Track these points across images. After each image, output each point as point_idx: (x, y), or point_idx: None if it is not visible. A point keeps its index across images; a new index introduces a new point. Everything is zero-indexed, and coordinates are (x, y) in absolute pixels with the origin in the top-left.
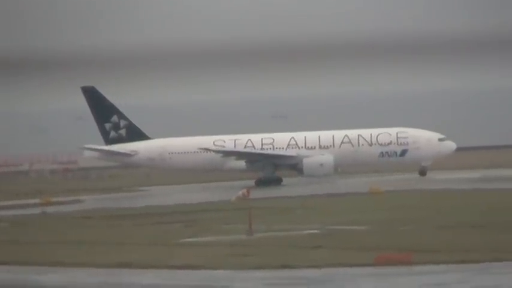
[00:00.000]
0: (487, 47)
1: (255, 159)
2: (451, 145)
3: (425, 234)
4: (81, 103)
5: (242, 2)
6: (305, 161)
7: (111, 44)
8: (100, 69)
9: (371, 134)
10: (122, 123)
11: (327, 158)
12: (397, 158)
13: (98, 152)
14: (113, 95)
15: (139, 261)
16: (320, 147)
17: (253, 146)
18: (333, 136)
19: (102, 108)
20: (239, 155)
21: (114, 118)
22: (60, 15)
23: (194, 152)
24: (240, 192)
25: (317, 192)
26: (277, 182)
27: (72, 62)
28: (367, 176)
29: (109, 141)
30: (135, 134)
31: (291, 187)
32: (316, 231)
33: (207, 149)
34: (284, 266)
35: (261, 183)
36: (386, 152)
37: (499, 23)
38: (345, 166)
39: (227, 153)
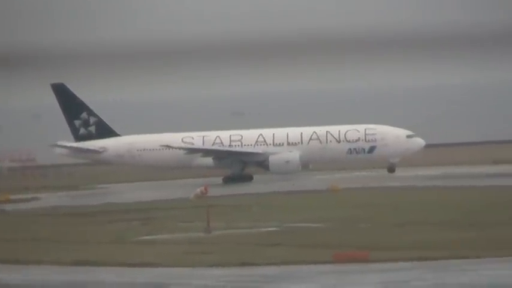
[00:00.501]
0: (479, 42)
1: (222, 156)
2: (419, 142)
3: (384, 232)
4: (40, 101)
5: None
6: (271, 158)
7: (80, 40)
8: (66, 66)
9: (339, 131)
10: (92, 120)
11: (293, 155)
12: (365, 155)
13: (67, 149)
14: (79, 92)
15: (96, 259)
16: (288, 144)
17: (222, 143)
18: (301, 133)
19: (71, 105)
20: (202, 152)
21: (84, 115)
22: (25, 8)
23: (162, 148)
24: (198, 190)
25: (280, 189)
26: (246, 179)
27: (36, 58)
28: (336, 173)
29: (79, 138)
30: (105, 130)
31: (256, 184)
32: (275, 228)
33: (168, 146)
34: (242, 264)
35: (229, 180)
36: (355, 149)
37: (491, 18)
38: (313, 163)
39: (190, 151)
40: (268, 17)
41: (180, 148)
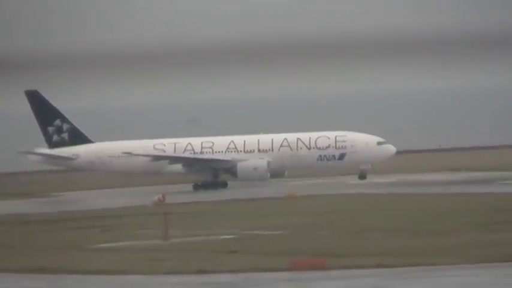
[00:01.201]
0: (471, 47)
1: (191, 163)
2: (390, 149)
3: (341, 239)
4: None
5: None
6: (239, 165)
7: (52, 46)
8: (39, 72)
9: (310, 138)
10: (65, 126)
11: (261, 162)
12: (335, 162)
13: (41, 156)
14: (54, 98)
15: (53, 266)
16: (259, 150)
17: (193, 150)
18: (272, 140)
19: (45, 112)
20: (167, 159)
21: (57, 122)
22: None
23: (126, 155)
24: (156, 198)
25: (241, 196)
26: (219, 186)
27: (9, 64)
28: (309, 180)
29: (52, 144)
30: (78, 137)
31: (219, 192)
32: (232, 236)
33: (129, 153)
34: (200, 271)
35: (199, 187)
36: (325, 156)
37: (482, 23)
38: (284, 170)
39: (155, 158)
40: (224, 23)
41: (142, 155)
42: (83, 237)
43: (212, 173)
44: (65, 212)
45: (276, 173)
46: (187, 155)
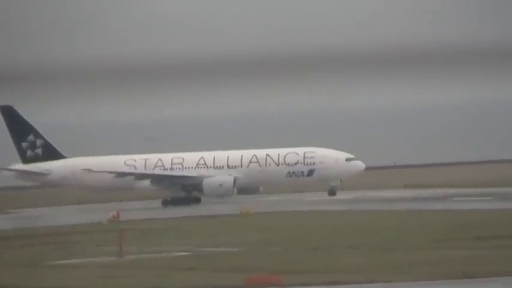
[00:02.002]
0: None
1: (159, 180)
2: (359, 165)
3: (296, 256)
4: None
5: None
6: (205, 181)
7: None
8: (14, 87)
9: (279, 154)
10: (38, 142)
11: (227, 178)
12: (304, 178)
13: (15, 172)
14: (27, 114)
15: (6, 283)
16: (228, 167)
17: (163, 166)
18: (242, 156)
19: (19, 127)
20: (131, 175)
21: (31, 137)
22: None
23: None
24: (110, 214)
25: (204, 213)
26: (189, 201)
27: None
28: (278, 196)
29: (26, 160)
30: (51, 153)
31: (184, 208)
32: (187, 253)
33: (89, 170)
34: None
35: (168, 203)
36: (294, 172)
37: (465, 36)
38: (257, 186)
39: (118, 175)
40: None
41: (102, 172)
42: (37, 254)
43: (180, 189)
44: (20, 229)
45: (249, 189)
46: (157, 171)
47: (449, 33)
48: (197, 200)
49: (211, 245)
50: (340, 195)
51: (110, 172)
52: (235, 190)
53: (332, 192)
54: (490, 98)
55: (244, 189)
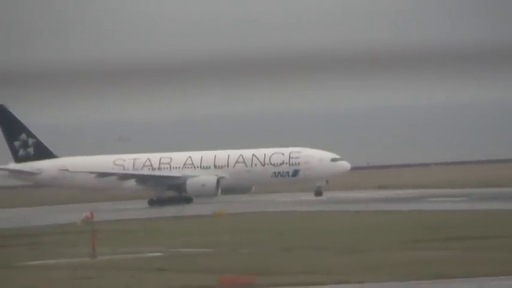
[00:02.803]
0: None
1: (144, 180)
2: (344, 165)
3: (269, 257)
4: None
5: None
6: (188, 181)
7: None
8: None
9: (265, 154)
10: (30, 141)
11: (209, 178)
12: (289, 178)
13: (7, 171)
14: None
15: None
16: (215, 167)
17: (151, 166)
18: (228, 156)
19: (11, 127)
20: (113, 175)
21: (23, 136)
22: None
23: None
24: (84, 215)
25: (178, 214)
26: (180, 201)
27: None
28: (267, 196)
29: (18, 159)
30: (43, 152)
31: (152, 209)
32: (159, 254)
33: (66, 170)
34: None
35: (154, 203)
36: (279, 172)
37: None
38: (240, 186)
39: (99, 175)
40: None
41: (81, 172)
42: (11, 255)
43: (166, 189)
44: None
45: (240, 188)
46: (145, 170)
47: (422, 35)
48: (188, 200)
49: (184, 246)
50: (311, 196)
51: (91, 172)
52: (219, 190)
53: (318, 192)
54: (467, 99)
55: (235, 189)
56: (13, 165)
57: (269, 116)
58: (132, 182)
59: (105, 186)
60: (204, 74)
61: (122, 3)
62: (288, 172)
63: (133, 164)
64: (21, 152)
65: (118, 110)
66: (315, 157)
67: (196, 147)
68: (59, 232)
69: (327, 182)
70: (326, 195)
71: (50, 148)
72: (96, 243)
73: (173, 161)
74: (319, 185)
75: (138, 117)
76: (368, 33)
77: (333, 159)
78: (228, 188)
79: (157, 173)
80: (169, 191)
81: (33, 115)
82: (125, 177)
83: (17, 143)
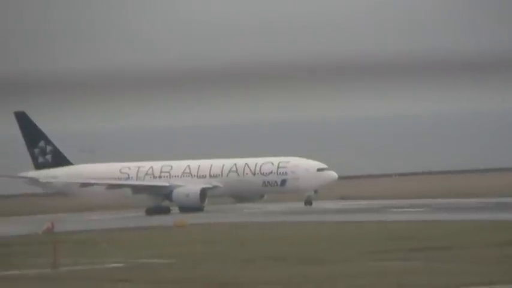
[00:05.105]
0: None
1: (136, 189)
2: (331, 175)
3: (230, 268)
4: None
5: None
6: (174, 191)
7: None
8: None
9: (256, 164)
10: (48, 148)
11: (193, 188)
12: (278, 188)
13: (26, 179)
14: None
15: None
16: (210, 176)
17: (153, 174)
18: (223, 165)
19: (31, 134)
20: (97, 185)
21: (42, 143)
22: None
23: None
24: (45, 226)
25: (141, 224)
26: (165, 211)
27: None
28: (256, 205)
29: (37, 166)
30: (60, 159)
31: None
32: (121, 264)
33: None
34: None
35: (151, 212)
36: (268, 182)
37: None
38: (231, 195)
39: (82, 185)
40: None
41: (65, 182)
42: None
43: (161, 199)
44: None
45: (248, 197)
46: (147, 179)
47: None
48: (166, 210)
49: (145, 257)
50: (274, 207)
51: (76, 182)
52: (205, 200)
53: (308, 202)
54: (430, 109)
55: (242, 197)
56: (31, 173)
57: (264, 124)
58: (128, 191)
59: (110, 196)
60: (195, 83)
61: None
62: (276, 182)
63: (137, 172)
64: (40, 159)
65: (135, 116)
66: (302, 167)
67: (200, 156)
68: (21, 242)
69: (315, 191)
70: (287, 205)
71: (68, 156)
72: (58, 253)
73: (173, 170)
74: (308, 194)
75: (135, 124)
76: (357, 42)
77: (320, 169)
78: (236, 196)
79: (145, 182)
80: (160, 200)
81: (52, 122)
82: (115, 187)
83: (36, 150)
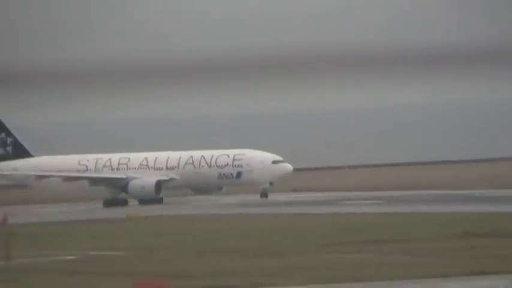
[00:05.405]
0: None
1: (93, 181)
2: (286, 167)
3: (183, 260)
4: None
5: None
6: (130, 183)
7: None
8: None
9: (212, 156)
10: (9, 140)
11: (149, 180)
12: (234, 180)
13: None
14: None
15: None
16: (167, 168)
17: (111, 166)
18: (180, 157)
19: None
20: (51, 177)
21: (2, 135)
22: None
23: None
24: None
25: (93, 217)
26: (122, 203)
27: None
28: (217, 197)
29: None
30: (20, 151)
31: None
32: (74, 257)
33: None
34: None
35: (108, 204)
36: (224, 174)
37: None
38: (189, 187)
39: (38, 177)
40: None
41: (28, 174)
42: None
43: (120, 190)
44: None
45: (205, 189)
46: (105, 171)
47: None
48: (123, 202)
49: (97, 249)
50: (230, 199)
51: (31, 174)
52: (160, 192)
53: (264, 194)
54: (408, 100)
55: (200, 189)
56: None
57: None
58: (85, 183)
59: (68, 188)
60: (187, 75)
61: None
62: (232, 174)
63: (95, 165)
64: (0, 150)
65: (109, 108)
66: (256, 159)
67: (188, 147)
68: None
69: (271, 183)
70: (240, 197)
71: (29, 148)
72: (9, 246)
73: (130, 162)
74: (264, 187)
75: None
76: (345, 34)
77: (274, 162)
78: (194, 188)
79: (102, 174)
80: (117, 192)
81: (14, 114)
82: (72, 179)
83: None
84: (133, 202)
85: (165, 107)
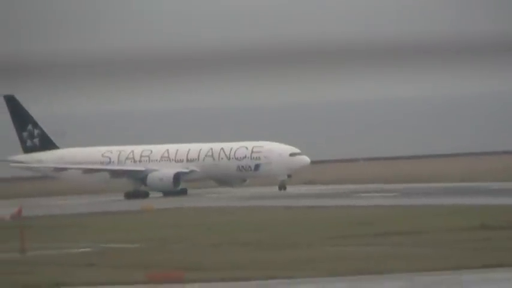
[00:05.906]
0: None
1: (114, 174)
2: (303, 160)
3: (197, 252)
4: None
5: None
6: (149, 175)
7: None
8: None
9: (231, 148)
10: (36, 132)
11: (167, 172)
12: (252, 172)
13: (15, 163)
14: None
15: None
16: (187, 160)
17: (133, 158)
18: (200, 149)
19: (19, 117)
20: (69, 169)
21: (30, 127)
22: None
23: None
24: (15, 210)
25: (107, 209)
26: (143, 195)
27: None
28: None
29: (26, 149)
30: (47, 143)
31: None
32: (88, 249)
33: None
34: (57, 285)
35: (130, 196)
36: (243, 166)
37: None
38: (210, 179)
39: (56, 169)
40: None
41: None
42: None
43: (139, 183)
44: None
45: (228, 181)
46: (128, 163)
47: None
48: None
49: (112, 241)
50: (248, 191)
51: (46, 167)
52: (179, 185)
53: (282, 186)
54: (413, 93)
55: (222, 181)
56: (19, 157)
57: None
58: (106, 175)
59: (89, 180)
60: (193, 67)
61: None
62: (250, 166)
63: (118, 157)
64: (28, 142)
65: (124, 101)
66: (275, 152)
67: (196, 139)
68: None
69: (289, 176)
70: (252, 190)
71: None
72: (25, 238)
73: (152, 154)
74: (282, 179)
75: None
76: (347, 26)
77: (292, 154)
78: (215, 180)
79: (123, 166)
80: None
81: (41, 106)
82: (93, 171)
83: (25, 134)
84: (157, 194)
85: (170, 99)
